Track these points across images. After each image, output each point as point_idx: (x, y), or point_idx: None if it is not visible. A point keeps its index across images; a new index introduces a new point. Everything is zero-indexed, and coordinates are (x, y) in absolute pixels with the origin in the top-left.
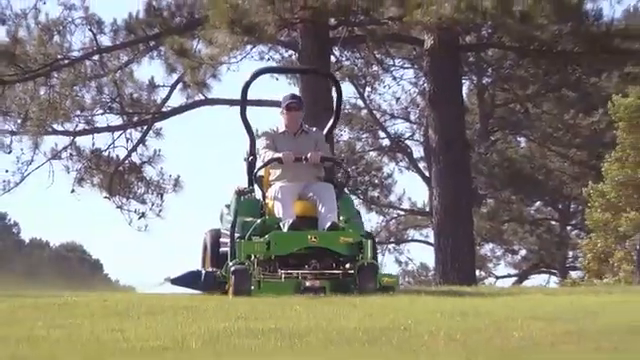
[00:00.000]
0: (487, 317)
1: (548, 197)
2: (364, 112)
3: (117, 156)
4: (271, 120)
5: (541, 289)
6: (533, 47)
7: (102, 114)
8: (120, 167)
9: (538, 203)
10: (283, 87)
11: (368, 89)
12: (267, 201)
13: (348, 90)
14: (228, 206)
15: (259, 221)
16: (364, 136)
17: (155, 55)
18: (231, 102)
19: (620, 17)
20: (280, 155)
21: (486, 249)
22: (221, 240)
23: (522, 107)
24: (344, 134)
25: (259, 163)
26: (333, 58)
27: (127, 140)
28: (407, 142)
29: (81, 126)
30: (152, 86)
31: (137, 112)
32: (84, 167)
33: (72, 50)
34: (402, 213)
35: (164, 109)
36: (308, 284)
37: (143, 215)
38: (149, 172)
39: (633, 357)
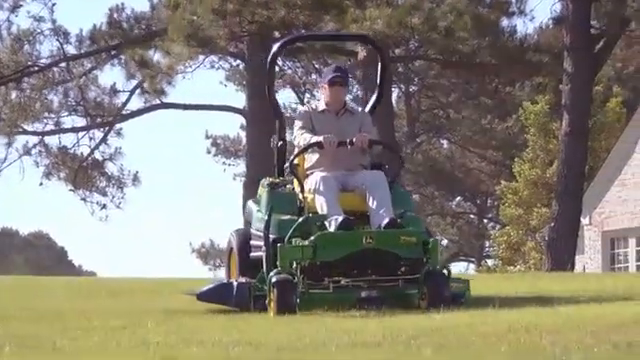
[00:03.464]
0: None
1: (467, 193)
2: None
3: (81, 153)
4: (223, 124)
5: (461, 275)
6: (455, 59)
7: (68, 115)
8: (84, 163)
9: (458, 198)
10: (231, 93)
11: (307, 95)
12: (306, 194)
13: (289, 96)
14: (257, 201)
15: (301, 220)
16: None
17: (116, 63)
18: (184, 106)
19: (532, 33)
20: (320, 139)
21: None
22: (252, 243)
23: (444, 112)
24: (287, 135)
25: (296, 149)
26: (276, 67)
27: (90, 139)
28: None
29: (49, 127)
30: (113, 91)
31: (100, 114)
32: (52, 163)
33: (41, 58)
34: None
35: (124, 112)
36: (364, 294)
37: (104, 207)
38: (110, 168)
39: (542, 337)
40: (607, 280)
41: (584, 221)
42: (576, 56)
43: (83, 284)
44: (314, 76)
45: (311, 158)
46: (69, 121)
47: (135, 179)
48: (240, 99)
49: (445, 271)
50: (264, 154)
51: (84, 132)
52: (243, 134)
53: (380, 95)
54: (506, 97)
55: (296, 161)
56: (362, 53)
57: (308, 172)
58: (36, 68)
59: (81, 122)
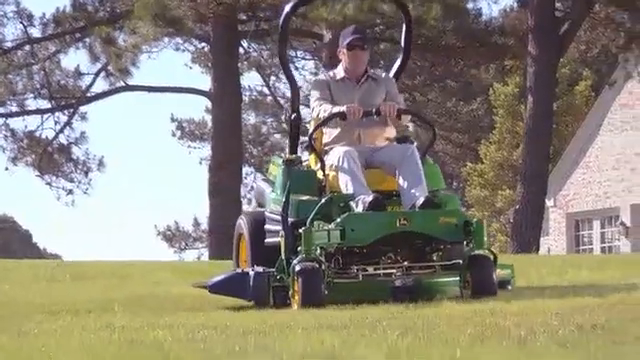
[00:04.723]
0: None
1: None
2: (269, 99)
3: (46, 137)
4: (188, 107)
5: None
6: (420, 42)
7: (34, 99)
8: (49, 147)
9: None
10: (197, 75)
11: (273, 78)
12: (327, 172)
13: (255, 79)
14: (269, 180)
15: (324, 200)
16: (269, 120)
17: (80, 46)
18: (149, 88)
19: (497, 16)
20: (343, 109)
21: None
22: (266, 227)
23: (410, 95)
24: (251, 118)
25: (312, 122)
26: (241, 50)
27: (55, 123)
28: (308, 126)
29: (13, 109)
30: (78, 73)
31: (64, 97)
32: (18, 147)
33: (5, 41)
34: None
35: (88, 94)
36: (398, 283)
37: (70, 192)
38: (76, 152)
39: (507, 320)
40: (572, 262)
41: (549, 203)
42: (540, 38)
43: (48, 267)
44: None
45: (331, 132)
46: (34, 104)
47: (100, 164)
48: (205, 81)
49: (491, 255)
50: (229, 137)
51: (49, 114)
52: (208, 117)
53: (406, 58)
54: (472, 80)
55: (314, 135)
56: (328, 35)
57: (326, 148)
58: (0, 51)
59: (46, 105)
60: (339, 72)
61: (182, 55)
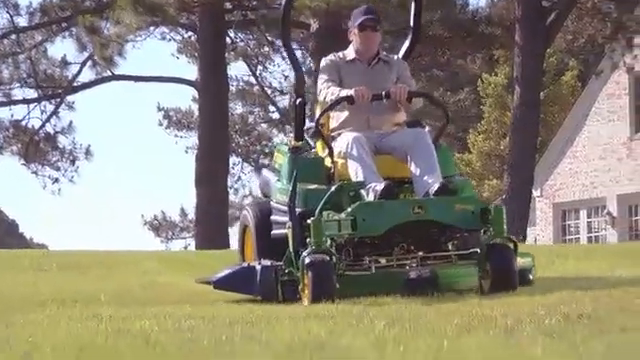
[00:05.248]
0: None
1: None
2: (256, 88)
3: (33, 126)
4: (174, 96)
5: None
6: (407, 32)
7: (20, 88)
8: (35, 136)
9: None
10: (183, 65)
11: (260, 67)
12: (335, 159)
13: (242, 68)
14: (275, 169)
15: (333, 188)
16: (256, 110)
17: (67, 35)
18: (135, 78)
19: (484, 6)
20: (351, 92)
21: None
22: (272, 218)
23: None
24: (238, 108)
25: (318, 107)
26: (228, 39)
27: (42, 112)
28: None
29: None
30: (64, 63)
31: (51, 86)
32: (4, 137)
33: None
34: None
35: (75, 84)
36: (413, 275)
37: (57, 181)
38: (62, 141)
39: (493, 309)
40: (558, 252)
41: (536, 193)
42: (527, 29)
43: (34, 257)
44: (266, 48)
45: (338, 116)
46: (20, 94)
47: (87, 153)
48: (192, 71)
49: (511, 244)
50: (216, 127)
51: (35, 104)
52: (195, 106)
53: (415, 40)
54: (458, 70)
55: (321, 120)
56: (315, 25)
57: (334, 133)
58: None
59: (32, 95)
60: (349, 53)
61: (168, 45)
